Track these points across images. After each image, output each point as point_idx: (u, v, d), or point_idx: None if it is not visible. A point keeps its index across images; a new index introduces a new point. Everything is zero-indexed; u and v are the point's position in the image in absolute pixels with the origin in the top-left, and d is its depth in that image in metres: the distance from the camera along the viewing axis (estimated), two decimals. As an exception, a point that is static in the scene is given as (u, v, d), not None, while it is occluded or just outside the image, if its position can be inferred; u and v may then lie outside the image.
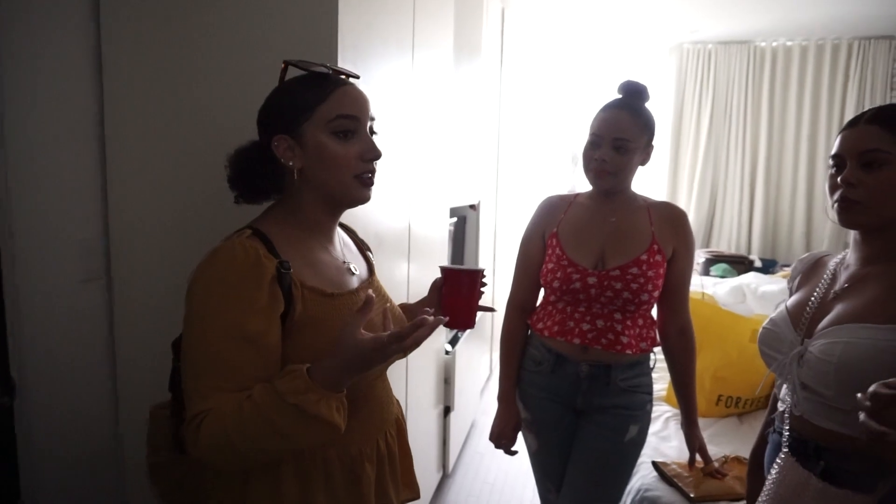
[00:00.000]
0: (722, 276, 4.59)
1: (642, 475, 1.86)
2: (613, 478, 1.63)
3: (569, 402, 1.64)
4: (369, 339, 0.86)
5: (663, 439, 2.09)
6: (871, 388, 0.76)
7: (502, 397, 1.73)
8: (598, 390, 1.60)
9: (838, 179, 1.12)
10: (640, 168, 1.62)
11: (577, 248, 1.60)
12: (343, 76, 1.04)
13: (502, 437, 1.73)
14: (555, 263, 1.61)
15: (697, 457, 1.72)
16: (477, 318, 1.35)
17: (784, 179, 5.15)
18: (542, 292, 1.74)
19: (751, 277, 4.03)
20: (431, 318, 0.87)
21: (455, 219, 3.23)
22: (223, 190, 1.05)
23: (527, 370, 1.71)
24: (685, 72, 5.16)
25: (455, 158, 2.73)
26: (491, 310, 1.33)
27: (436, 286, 1.28)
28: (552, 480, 1.71)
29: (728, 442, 2.06)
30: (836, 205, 1.13)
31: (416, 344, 0.87)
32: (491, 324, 4.08)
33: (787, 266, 4.72)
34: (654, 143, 1.59)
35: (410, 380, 2.08)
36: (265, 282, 0.91)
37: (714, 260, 4.84)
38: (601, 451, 1.61)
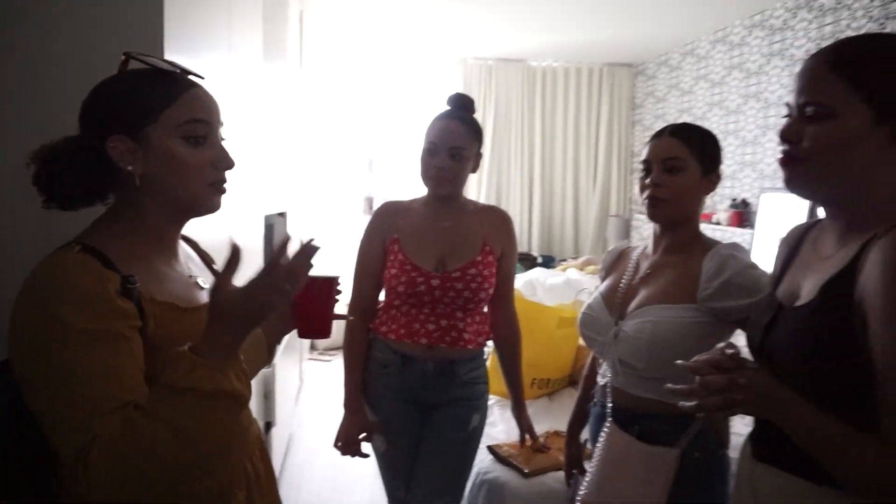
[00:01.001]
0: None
1: (479, 460, 1.99)
2: (462, 466, 1.73)
3: (417, 400, 1.70)
4: (240, 286, 0.80)
5: (491, 425, 2.27)
6: (701, 375, 0.84)
7: (348, 404, 1.73)
8: (444, 386, 1.68)
9: (647, 181, 1.35)
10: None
11: (418, 252, 1.67)
12: (191, 77, 0.97)
13: (350, 444, 1.73)
14: (398, 269, 1.66)
15: (527, 436, 1.90)
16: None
17: (555, 185, 5.84)
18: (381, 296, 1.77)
19: (537, 272, 4.50)
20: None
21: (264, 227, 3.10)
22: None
23: (373, 373, 1.73)
24: (470, 85, 5.57)
25: (268, 165, 2.63)
26: (346, 318, 1.31)
27: None
28: (402, 479, 1.76)
29: (544, 419, 2.31)
30: (645, 202, 1.36)
31: (294, 273, 0.81)
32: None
33: (564, 261, 5.37)
34: (482, 151, 1.72)
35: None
36: (112, 294, 0.80)
37: (503, 258, 5.30)
38: (450, 443, 1.70)
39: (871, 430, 0.77)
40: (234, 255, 0.81)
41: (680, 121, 1.49)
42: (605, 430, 1.37)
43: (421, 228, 1.70)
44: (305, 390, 4.26)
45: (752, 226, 3.88)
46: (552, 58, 5.62)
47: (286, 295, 0.81)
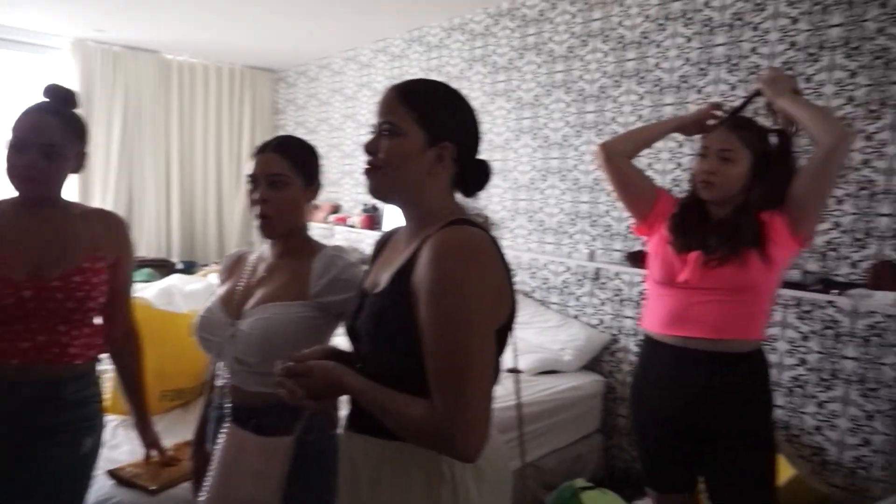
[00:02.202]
0: (147, 281, 4.66)
1: (98, 487, 1.80)
2: (71, 498, 1.55)
3: (11, 428, 1.47)
4: None
5: (113, 448, 2.06)
6: (284, 363, 1.06)
7: None
8: (46, 410, 1.49)
9: (254, 196, 1.42)
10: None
11: (4, 260, 1.44)
12: None
13: None
14: None
15: (154, 451, 1.81)
16: None
17: (196, 187, 5.58)
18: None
19: (175, 279, 4.25)
20: None
21: None
22: None
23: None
24: (92, 72, 4.93)
25: None
26: None
27: None
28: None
29: (177, 432, 2.20)
30: (256, 220, 1.43)
31: None
32: None
33: (206, 266, 5.17)
34: (87, 150, 1.58)
35: None
36: None
37: (137, 266, 4.85)
38: (53, 475, 1.50)
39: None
40: None
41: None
42: (223, 431, 1.40)
43: (9, 233, 1.48)
44: None
45: (380, 227, 4.36)
46: (188, 53, 5.35)
47: None
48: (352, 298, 1.29)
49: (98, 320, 1.66)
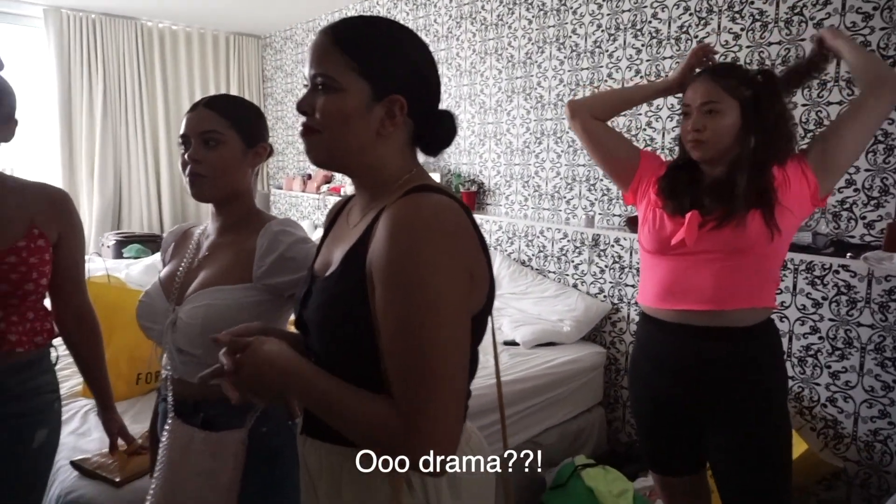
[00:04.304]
0: (136, 257, 4.54)
1: (61, 480, 1.70)
2: (25, 494, 1.44)
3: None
4: None
5: (82, 435, 1.96)
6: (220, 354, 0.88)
7: None
8: (-13, 403, 1.37)
9: (185, 156, 1.27)
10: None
11: None
12: None
13: None
14: None
15: (120, 441, 1.69)
16: None
17: (185, 158, 5.41)
18: None
19: (163, 255, 4.12)
20: None
21: None
22: None
23: None
24: (68, 41, 4.74)
25: None
26: None
27: None
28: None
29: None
30: (187, 179, 1.27)
31: None
32: None
33: (197, 240, 5.03)
34: (15, 118, 1.42)
35: None
36: None
37: (126, 241, 4.73)
38: (5, 471, 1.40)
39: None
40: None
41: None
42: (167, 426, 1.26)
43: None
44: None
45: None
46: (170, 19, 5.13)
47: None
48: (299, 280, 1.13)
49: (48, 303, 1.53)
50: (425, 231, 0.79)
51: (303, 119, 0.90)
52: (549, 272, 3.25)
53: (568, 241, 3.15)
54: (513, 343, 2.91)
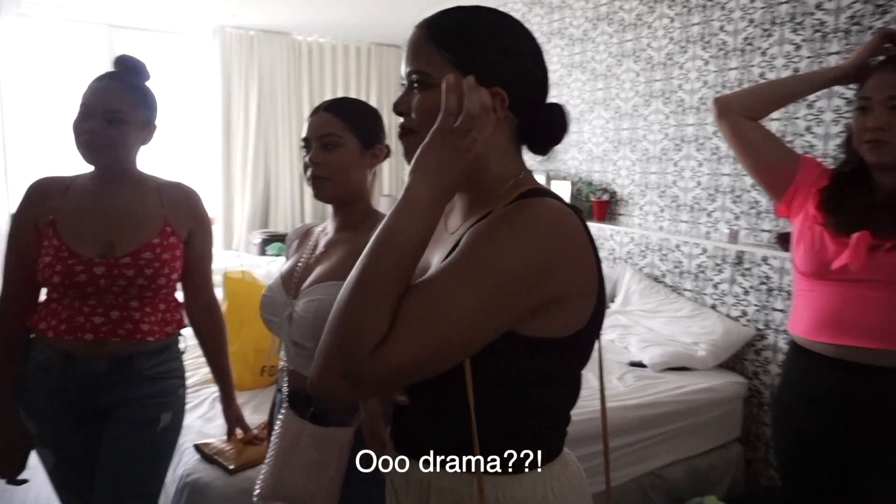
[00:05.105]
0: (278, 254, 4.86)
1: (185, 461, 1.82)
2: (148, 472, 1.54)
3: (87, 404, 1.48)
4: None
5: (209, 420, 2.09)
6: None
7: None
8: (121, 384, 1.48)
9: (307, 159, 1.29)
10: (144, 148, 1.54)
11: (79, 236, 1.44)
12: None
13: (5, 466, 1.47)
14: (52, 256, 1.42)
15: (238, 430, 1.77)
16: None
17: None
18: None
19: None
20: None
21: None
22: None
23: (32, 379, 1.48)
24: (230, 57, 5.18)
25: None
26: None
27: None
28: (77, 495, 1.54)
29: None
30: (309, 183, 1.31)
31: None
32: None
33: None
34: (156, 123, 1.53)
35: None
36: None
37: (270, 239, 5.07)
38: (132, 447, 1.51)
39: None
40: None
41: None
42: (280, 416, 1.30)
43: (83, 209, 1.47)
44: None
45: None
46: (318, 33, 5.45)
47: None
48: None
49: (179, 296, 1.64)
50: (539, 232, 0.73)
51: (400, 120, 0.86)
52: (685, 290, 3.00)
53: (707, 256, 2.87)
54: (640, 364, 2.70)
